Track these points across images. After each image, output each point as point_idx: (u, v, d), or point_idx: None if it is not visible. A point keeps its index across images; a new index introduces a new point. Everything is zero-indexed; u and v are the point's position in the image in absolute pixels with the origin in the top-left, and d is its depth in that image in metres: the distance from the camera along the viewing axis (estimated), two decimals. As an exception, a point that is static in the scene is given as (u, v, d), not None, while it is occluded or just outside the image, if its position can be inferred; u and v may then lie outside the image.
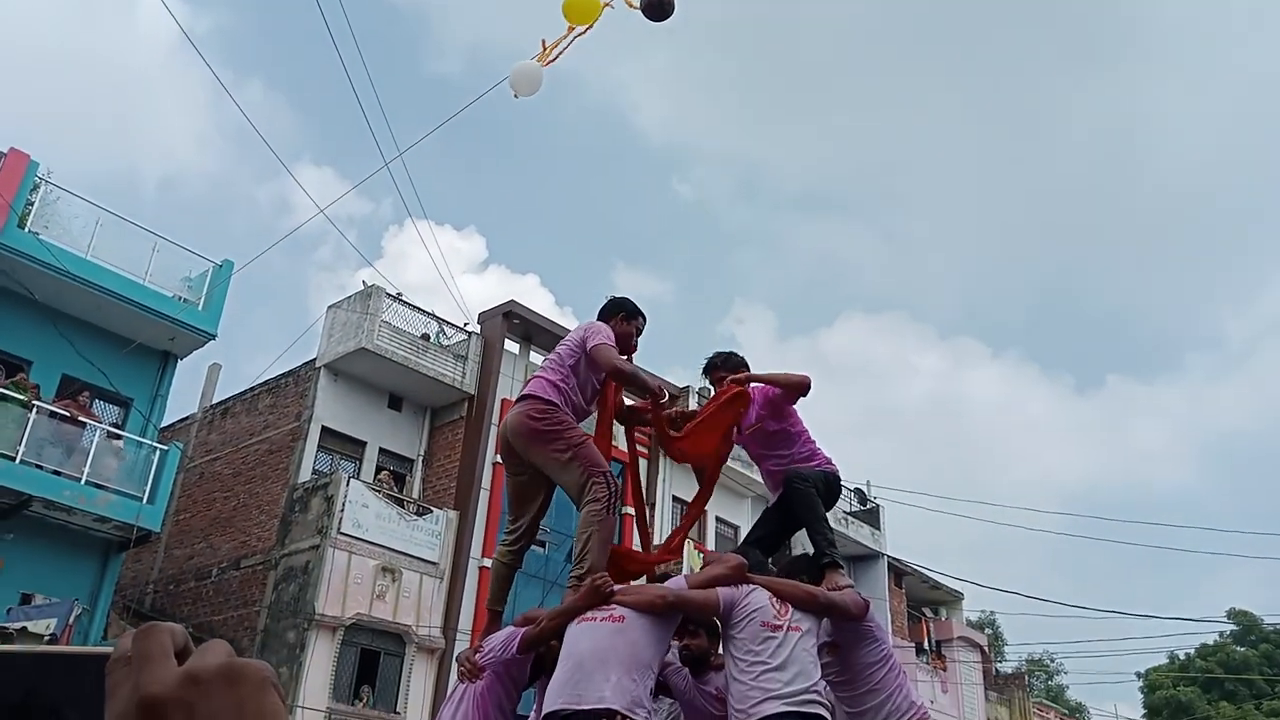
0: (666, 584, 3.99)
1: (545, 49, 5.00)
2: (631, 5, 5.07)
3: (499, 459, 21.59)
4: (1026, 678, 37.23)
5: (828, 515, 4.84)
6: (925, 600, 30.91)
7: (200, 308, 17.02)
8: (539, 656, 4.07)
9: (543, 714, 3.64)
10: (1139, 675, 37.69)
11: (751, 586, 3.89)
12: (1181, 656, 36.99)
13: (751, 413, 4.86)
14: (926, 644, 29.16)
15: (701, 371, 5.07)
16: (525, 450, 4.30)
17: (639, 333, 4.74)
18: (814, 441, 4.95)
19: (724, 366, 4.95)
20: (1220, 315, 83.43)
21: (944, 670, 28.84)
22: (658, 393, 4.58)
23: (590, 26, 5.22)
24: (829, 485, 4.87)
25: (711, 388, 5.02)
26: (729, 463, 24.75)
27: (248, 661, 0.64)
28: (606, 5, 5.22)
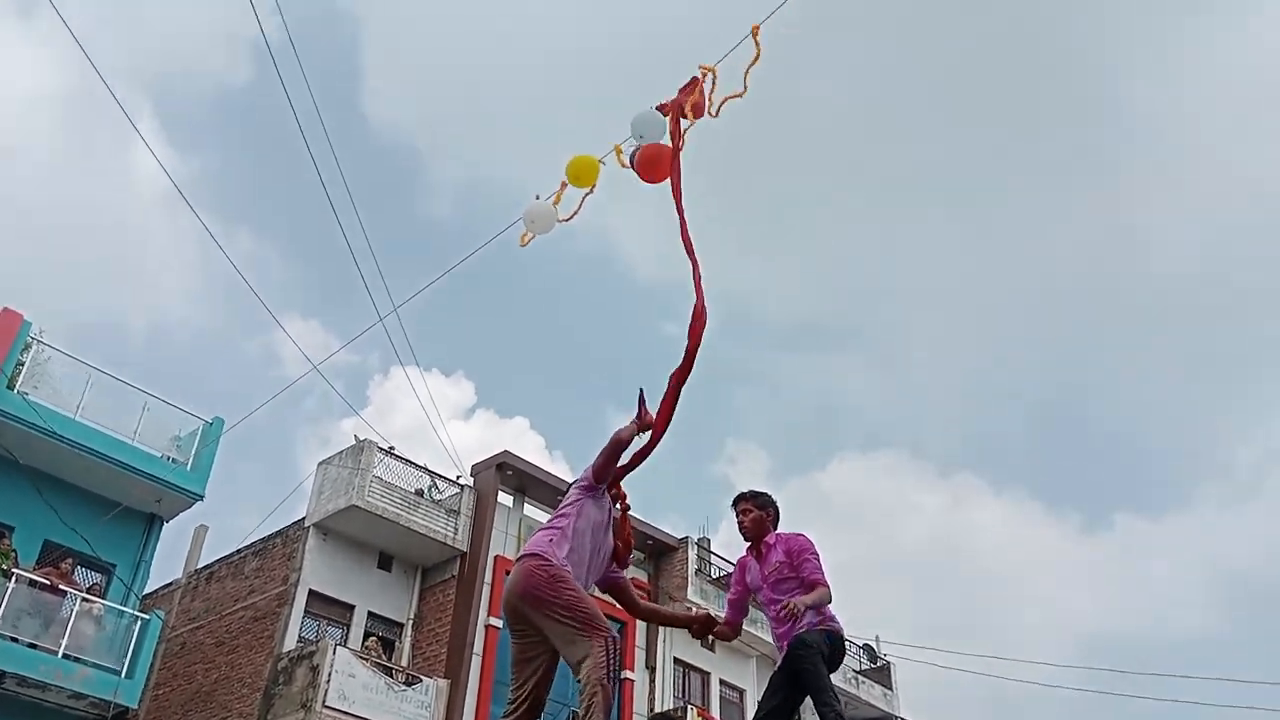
0: None
1: (559, 193, 5.23)
2: (624, 165, 5.30)
3: (492, 621, 20.77)
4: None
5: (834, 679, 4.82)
6: (941, 763, 29.45)
7: (188, 468, 16.72)
8: None
9: None
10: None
11: None
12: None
13: (772, 558, 4.95)
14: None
15: (731, 503, 5.20)
16: (526, 610, 4.17)
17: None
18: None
19: (752, 500, 5.14)
20: (1227, 441, 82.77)
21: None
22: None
23: (593, 189, 5.48)
24: (834, 646, 4.83)
25: (738, 518, 5.13)
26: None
27: None
28: (602, 163, 5.45)
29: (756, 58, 4.62)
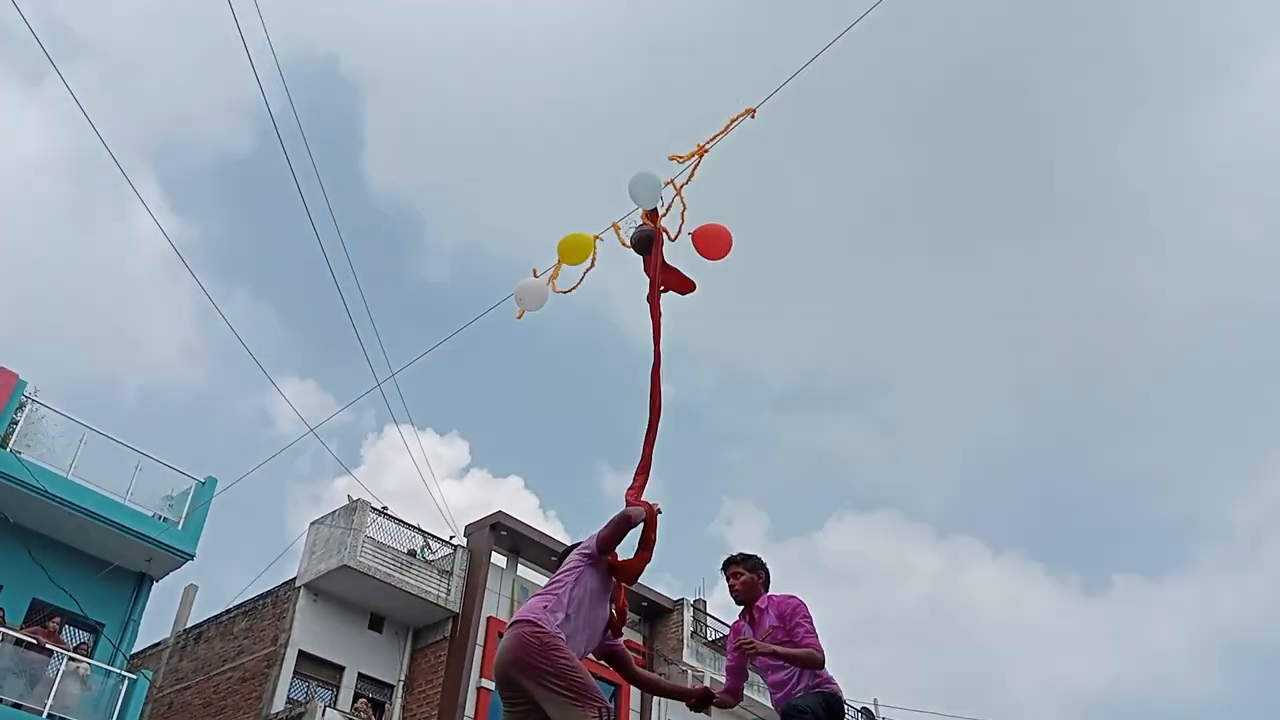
0: None
1: (555, 272, 5.27)
2: (624, 244, 5.35)
3: (484, 683, 20.47)
4: None
5: None
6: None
7: (180, 527, 16.58)
8: None
9: None
10: None
11: None
12: None
13: (765, 622, 4.90)
14: None
15: (721, 566, 5.21)
16: (518, 678, 4.06)
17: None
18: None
19: (743, 564, 5.14)
20: (1227, 503, 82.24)
21: None
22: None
23: (592, 264, 5.46)
24: (830, 709, 4.71)
25: (726, 580, 5.15)
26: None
27: None
28: (599, 239, 5.48)
29: (695, 169, 4.79)
